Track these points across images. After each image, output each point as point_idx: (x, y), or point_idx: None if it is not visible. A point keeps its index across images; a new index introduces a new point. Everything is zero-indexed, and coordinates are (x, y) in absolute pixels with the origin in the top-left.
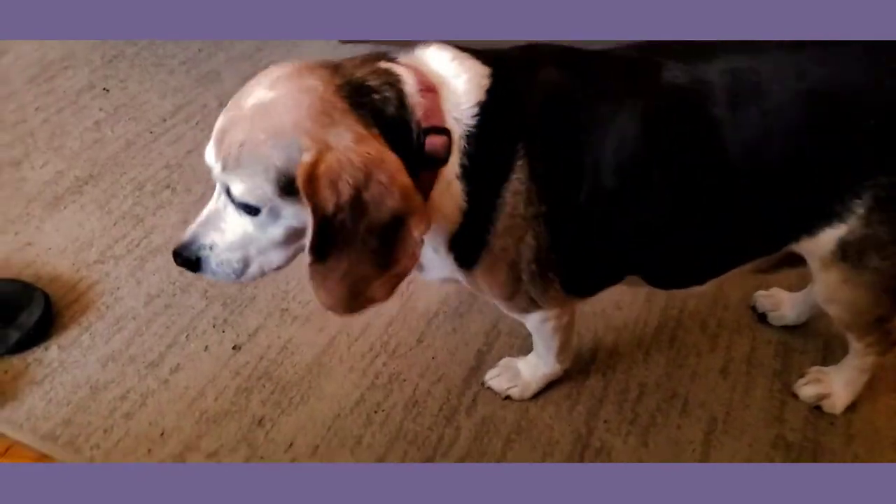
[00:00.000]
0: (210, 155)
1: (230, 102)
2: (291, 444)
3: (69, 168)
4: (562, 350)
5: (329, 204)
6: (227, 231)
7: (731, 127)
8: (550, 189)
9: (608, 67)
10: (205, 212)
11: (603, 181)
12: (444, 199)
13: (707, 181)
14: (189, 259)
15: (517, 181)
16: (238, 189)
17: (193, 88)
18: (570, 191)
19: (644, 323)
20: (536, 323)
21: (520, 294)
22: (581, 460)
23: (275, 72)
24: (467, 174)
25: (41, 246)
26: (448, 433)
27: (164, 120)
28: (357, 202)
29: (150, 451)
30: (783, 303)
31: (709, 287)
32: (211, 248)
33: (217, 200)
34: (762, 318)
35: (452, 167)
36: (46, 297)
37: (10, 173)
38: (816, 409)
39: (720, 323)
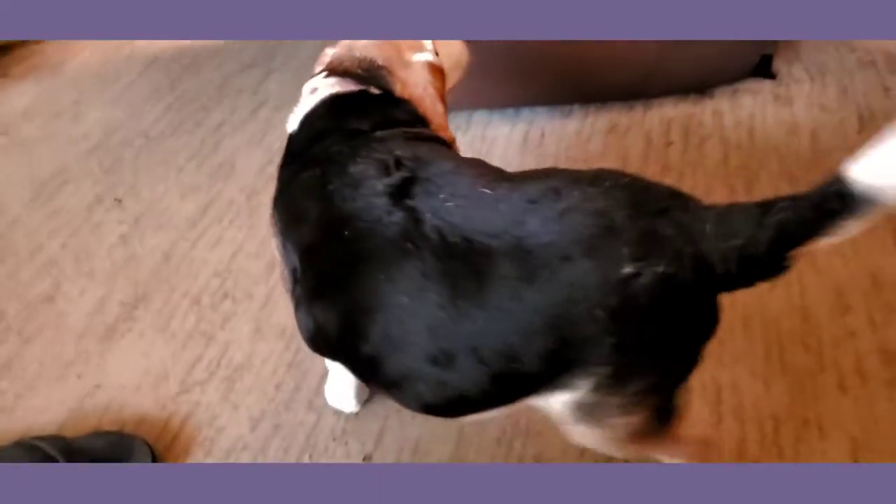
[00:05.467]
0: None
1: None
2: None
3: (109, 293)
4: None
5: None
6: None
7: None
8: None
9: None
10: None
11: None
12: None
13: None
14: None
15: None
16: None
17: (212, 184)
18: None
19: (752, 354)
20: None
21: None
22: None
23: None
24: None
25: (111, 386)
26: None
27: (194, 224)
28: None
29: None
30: None
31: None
32: None
33: None
34: None
35: None
36: (146, 443)
37: (48, 310)
38: None
39: (819, 340)
